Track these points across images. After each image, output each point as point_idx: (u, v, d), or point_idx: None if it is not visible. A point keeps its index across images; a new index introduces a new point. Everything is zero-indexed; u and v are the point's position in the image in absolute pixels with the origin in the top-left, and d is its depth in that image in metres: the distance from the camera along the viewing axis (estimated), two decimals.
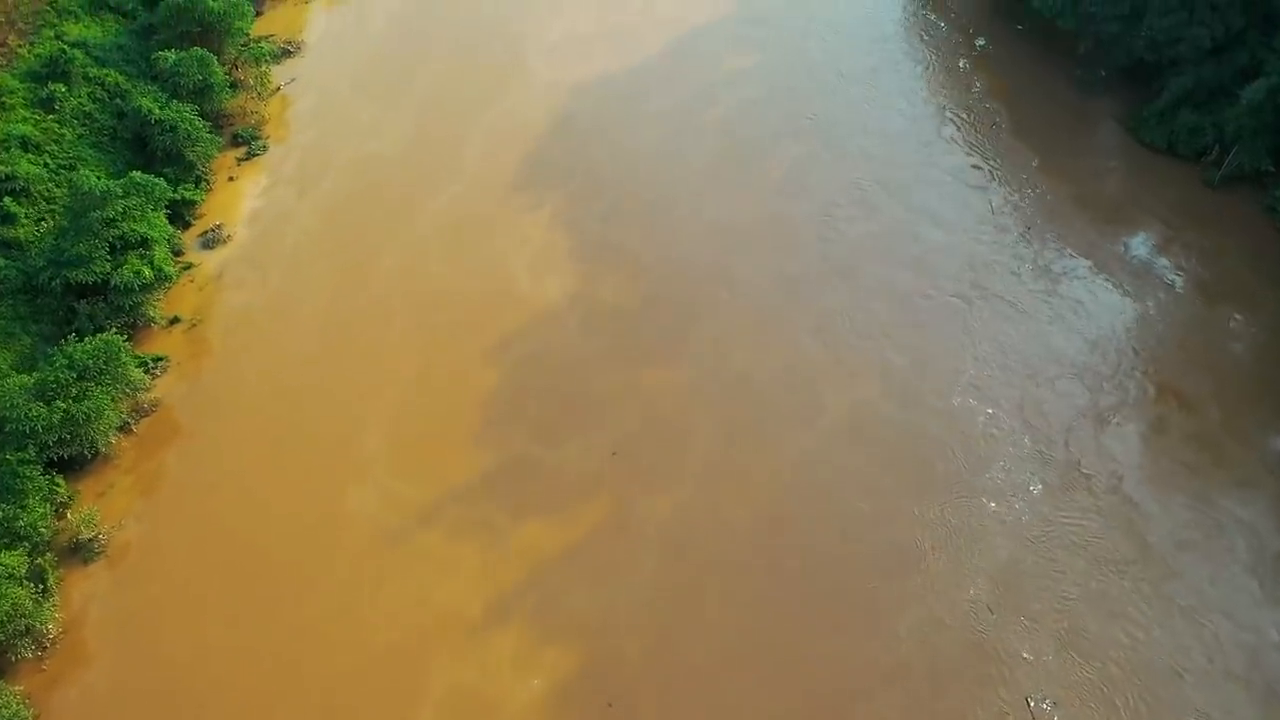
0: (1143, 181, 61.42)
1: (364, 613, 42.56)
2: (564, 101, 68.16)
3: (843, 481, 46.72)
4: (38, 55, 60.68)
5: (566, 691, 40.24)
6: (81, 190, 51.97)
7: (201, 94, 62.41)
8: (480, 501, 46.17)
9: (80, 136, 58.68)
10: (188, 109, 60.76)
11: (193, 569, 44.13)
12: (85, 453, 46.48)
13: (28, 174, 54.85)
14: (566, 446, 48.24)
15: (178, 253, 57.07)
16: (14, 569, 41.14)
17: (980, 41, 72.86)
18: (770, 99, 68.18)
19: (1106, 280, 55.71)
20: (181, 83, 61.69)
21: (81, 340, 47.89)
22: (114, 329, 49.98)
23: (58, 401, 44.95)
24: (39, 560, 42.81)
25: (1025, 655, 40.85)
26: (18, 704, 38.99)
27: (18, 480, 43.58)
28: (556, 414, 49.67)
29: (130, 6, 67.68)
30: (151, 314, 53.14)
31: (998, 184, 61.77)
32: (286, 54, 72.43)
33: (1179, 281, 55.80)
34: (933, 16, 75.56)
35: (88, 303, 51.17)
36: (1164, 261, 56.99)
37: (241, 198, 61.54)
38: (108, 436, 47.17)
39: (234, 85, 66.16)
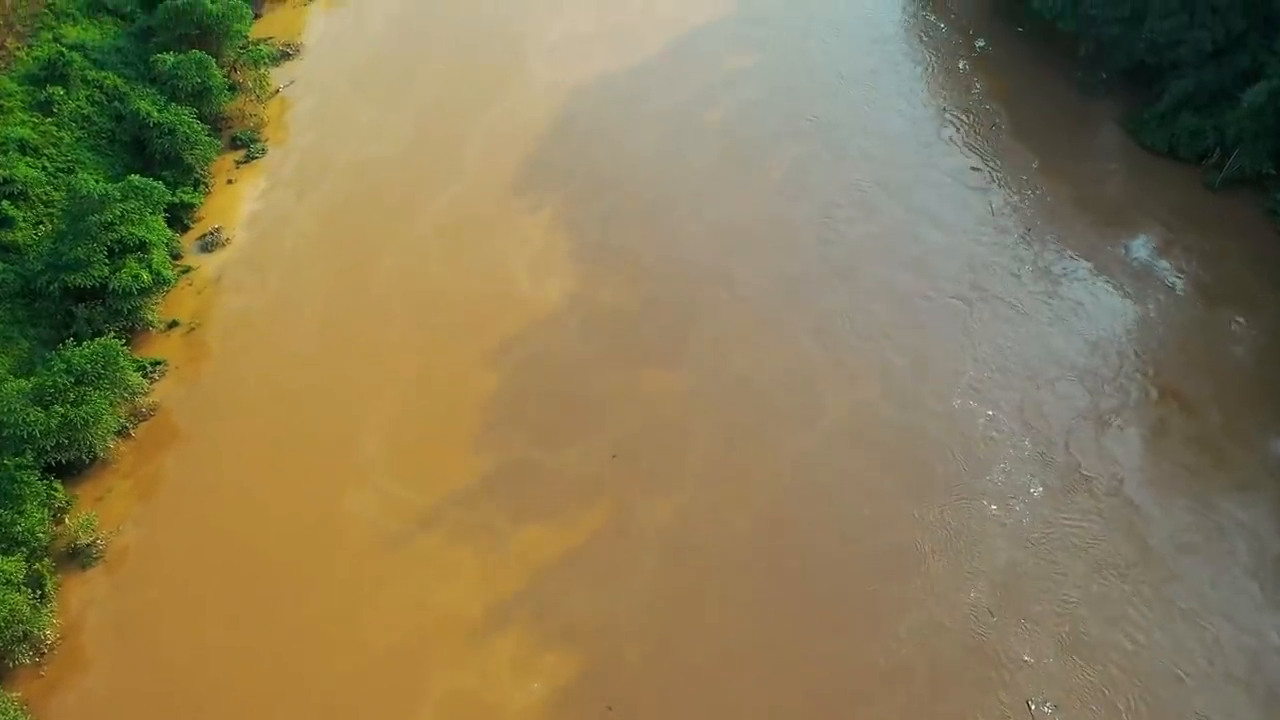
0: (1143, 184, 61.34)
1: (363, 615, 42.47)
2: (564, 102, 68.08)
3: (843, 483, 46.66)
4: (36, 58, 60.58)
5: (566, 695, 40.15)
6: (80, 194, 51.90)
7: (200, 97, 62.32)
8: (480, 504, 46.09)
9: (78, 139, 58.56)
10: (186, 112, 60.71)
11: (192, 573, 44.03)
12: (83, 457, 46.39)
13: (26, 177, 54.75)
14: (566, 449, 48.16)
15: (176, 256, 56.98)
16: (12, 575, 41.04)
17: (980, 43, 72.80)
18: (770, 100, 68.09)
19: (1107, 282, 55.61)
20: (180, 85, 61.58)
21: (80, 344, 47.87)
22: (112, 333, 49.95)
23: (56, 406, 44.87)
24: (37, 566, 42.70)
25: (1026, 658, 40.78)
26: (15, 710, 38.86)
27: (15, 485, 43.46)
28: (556, 416, 49.61)
29: (128, 9, 67.63)
30: (150, 318, 53.02)
31: (998, 185, 61.69)
32: (285, 56, 72.37)
33: (1180, 284, 55.70)
34: (933, 18, 75.49)
35: (86, 307, 51.08)
36: (1164, 264, 56.89)
37: (240, 200, 61.43)
38: (106, 441, 47.04)
39: (233, 88, 66.08)
